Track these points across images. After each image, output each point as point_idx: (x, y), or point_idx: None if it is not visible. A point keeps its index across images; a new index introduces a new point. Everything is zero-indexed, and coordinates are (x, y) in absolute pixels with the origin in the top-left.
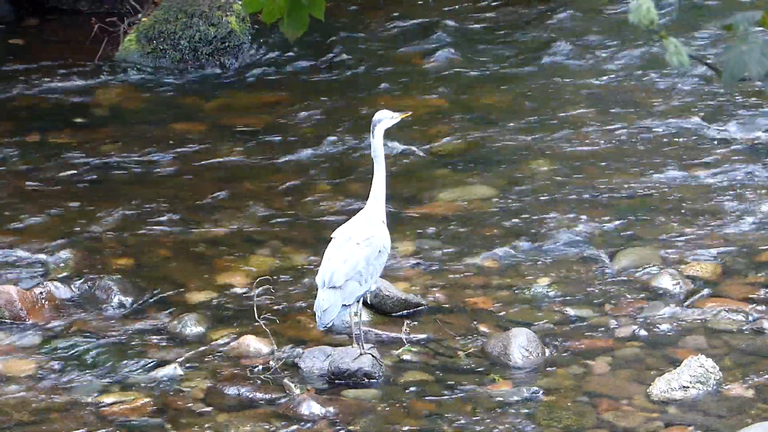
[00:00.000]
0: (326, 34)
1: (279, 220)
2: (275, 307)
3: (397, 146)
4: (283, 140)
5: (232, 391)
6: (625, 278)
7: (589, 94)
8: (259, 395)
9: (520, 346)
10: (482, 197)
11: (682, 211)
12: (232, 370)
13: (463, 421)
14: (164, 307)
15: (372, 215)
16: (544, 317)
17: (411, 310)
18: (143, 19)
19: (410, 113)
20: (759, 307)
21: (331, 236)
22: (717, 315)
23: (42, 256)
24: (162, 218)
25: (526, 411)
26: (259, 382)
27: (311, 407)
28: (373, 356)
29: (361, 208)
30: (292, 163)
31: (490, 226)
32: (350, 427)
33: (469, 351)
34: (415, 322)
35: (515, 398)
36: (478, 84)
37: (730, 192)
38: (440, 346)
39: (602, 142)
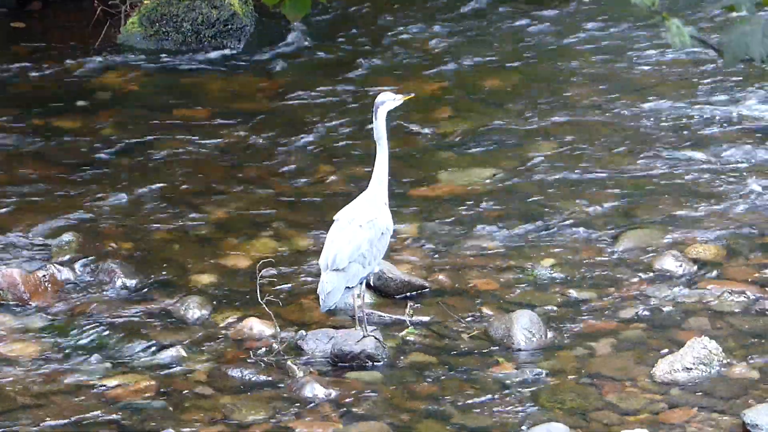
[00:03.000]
0: (329, 16)
1: (282, 202)
2: (278, 290)
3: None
4: (285, 123)
5: (235, 373)
6: (629, 260)
7: (592, 76)
8: (262, 378)
9: (524, 327)
10: (485, 179)
11: (686, 192)
12: (235, 352)
13: (466, 403)
14: (167, 290)
15: (374, 197)
16: (548, 299)
17: (414, 292)
18: (145, 1)
19: (413, 95)
20: (762, 289)
21: (334, 218)
22: (720, 296)
23: (45, 240)
24: (165, 201)
25: (530, 393)
26: (262, 364)
27: (314, 389)
28: (376, 338)
29: (364, 191)
30: (295, 145)
31: (493, 208)
32: (353, 409)
33: (473, 333)
34: (419, 304)
35: (518, 380)
36: (482, 67)
37: (734, 173)
38: (443, 328)
39: (606, 124)
